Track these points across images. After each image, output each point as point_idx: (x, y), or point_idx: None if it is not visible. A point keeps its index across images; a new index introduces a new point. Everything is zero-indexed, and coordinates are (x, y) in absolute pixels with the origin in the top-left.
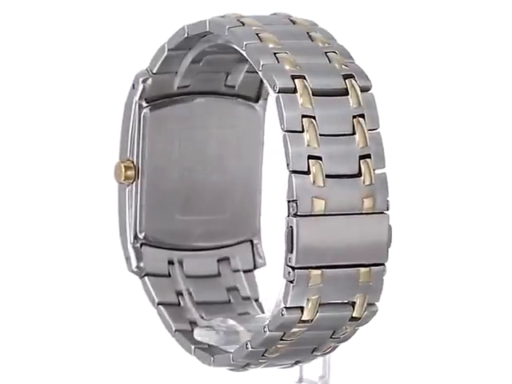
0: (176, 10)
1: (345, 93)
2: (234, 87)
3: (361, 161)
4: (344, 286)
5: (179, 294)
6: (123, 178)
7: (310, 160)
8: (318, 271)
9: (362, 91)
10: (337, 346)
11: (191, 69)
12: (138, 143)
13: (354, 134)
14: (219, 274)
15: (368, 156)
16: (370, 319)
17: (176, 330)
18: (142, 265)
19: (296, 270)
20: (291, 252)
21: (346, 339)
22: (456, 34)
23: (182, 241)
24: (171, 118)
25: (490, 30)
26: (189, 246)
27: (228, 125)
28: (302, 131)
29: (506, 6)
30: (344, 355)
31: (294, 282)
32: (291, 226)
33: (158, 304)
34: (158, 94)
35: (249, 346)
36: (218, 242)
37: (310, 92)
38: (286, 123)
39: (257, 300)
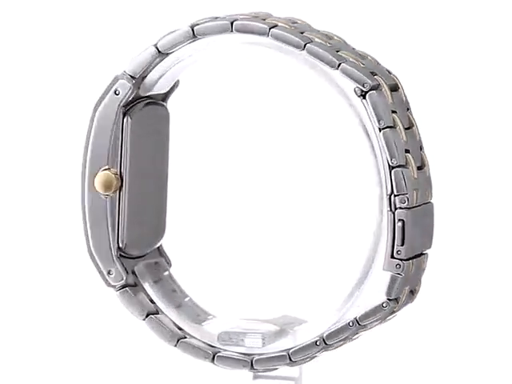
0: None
1: (398, 87)
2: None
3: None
4: (418, 273)
5: (152, 302)
6: (114, 189)
7: (406, 154)
8: (413, 261)
9: None
10: None
11: (159, 73)
12: (121, 151)
13: (412, 126)
14: (160, 279)
15: (422, 147)
16: None
17: (179, 339)
18: (125, 277)
19: (404, 262)
20: (402, 245)
21: None
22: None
23: (138, 249)
24: (137, 124)
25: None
26: (140, 253)
27: (159, 127)
28: (394, 126)
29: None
30: None
31: (402, 273)
32: (401, 219)
33: (150, 314)
34: (130, 100)
35: (320, 343)
36: (151, 247)
37: (388, 88)
38: (385, 120)
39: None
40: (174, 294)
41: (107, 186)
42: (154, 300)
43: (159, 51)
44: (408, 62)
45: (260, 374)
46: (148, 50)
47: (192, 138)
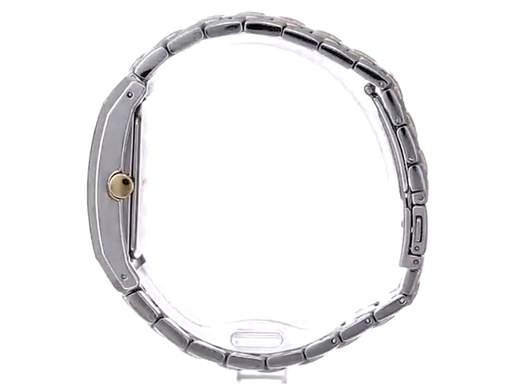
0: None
1: (398, 84)
2: None
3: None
4: None
5: (156, 305)
6: (130, 192)
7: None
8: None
9: None
10: None
11: (164, 74)
12: (133, 154)
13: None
14: (154, 282)
15: None
16: None
17: (190, 342)
18: (137, 281)
19: (421, 258)
20: (420, 241)
21: None
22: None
23: (139, 251)
24: (143, 126)
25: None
26: (138, 255)
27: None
28: (408, 123)
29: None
30: None
31: (420, 269)
32: (420, 216)
33: (159, 317)
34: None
35: (336, 340)
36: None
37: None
38: (404, 116)
39: None
40: (170, 296)
41: (125, 189)
42: (157, 303)
43: (168, 51)
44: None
45: (244, 373)
46: (157, 49)
47: (197, 139)
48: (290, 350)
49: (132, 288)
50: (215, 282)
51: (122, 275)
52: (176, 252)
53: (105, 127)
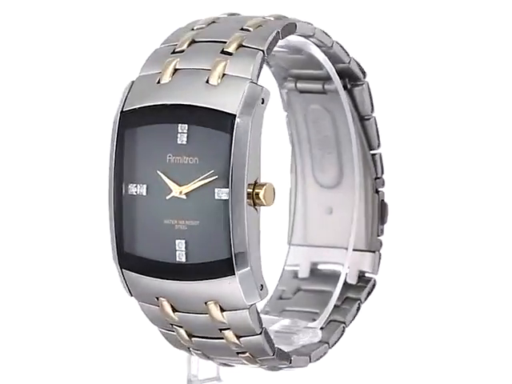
0: None
1: None
2: None
3: None
4: None
5: None
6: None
7: None
8: None
9: None
10: None
11: None
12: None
13: None
14: None
15: None
16: None
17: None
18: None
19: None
20: (383, 224)
21: None
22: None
23: None
24: None
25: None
26: None
27: None
28: None
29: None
30: None
31: (381, 251)
32: (383, 200)
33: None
34: None
35: (344, 328)
36: None
37: None
38: (374, 106)
39: None
40: None
41: (274, 196)
42: None
43: (265, 54)
44: None
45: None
46: (259, 54)
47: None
48: (321, 344)
49: (263, 299)
50: None
51: (261, 286)
52: None
53: (249, 136)
